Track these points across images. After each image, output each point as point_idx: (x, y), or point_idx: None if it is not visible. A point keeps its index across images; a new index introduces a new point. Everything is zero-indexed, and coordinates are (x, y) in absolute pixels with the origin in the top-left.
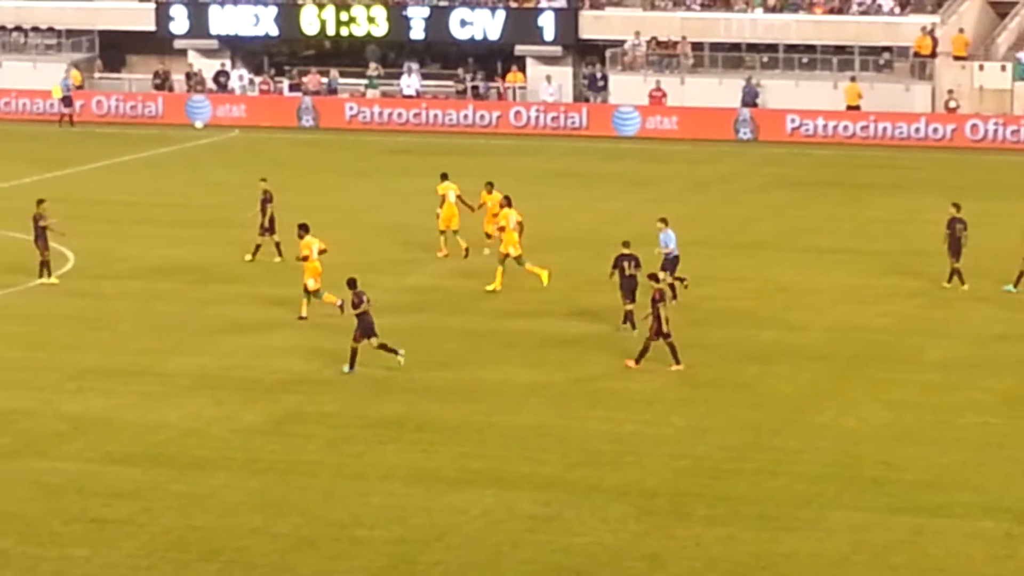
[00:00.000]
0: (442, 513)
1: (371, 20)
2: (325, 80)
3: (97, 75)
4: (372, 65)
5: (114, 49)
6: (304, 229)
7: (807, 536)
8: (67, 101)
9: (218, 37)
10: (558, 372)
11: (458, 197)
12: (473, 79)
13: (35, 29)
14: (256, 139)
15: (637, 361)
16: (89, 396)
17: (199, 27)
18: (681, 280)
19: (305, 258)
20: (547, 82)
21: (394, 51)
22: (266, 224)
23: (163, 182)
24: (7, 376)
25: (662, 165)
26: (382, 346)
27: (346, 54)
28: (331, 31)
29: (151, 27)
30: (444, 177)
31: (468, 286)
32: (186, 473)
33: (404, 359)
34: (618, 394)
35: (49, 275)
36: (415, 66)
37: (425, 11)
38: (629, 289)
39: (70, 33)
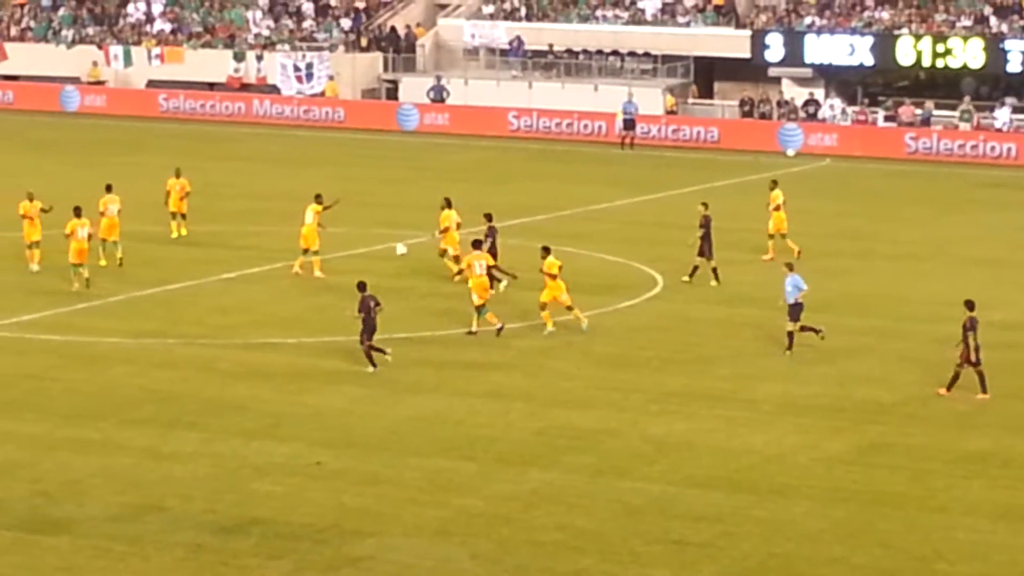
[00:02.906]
0: None
1: (968, 52)
2: (919, 112)
3: (690, 101)
4: (965, 98)
5: (705, 75)
6: (476, 246)
7: None
8: (629, 124)
9: (812, 66)
10: None
11: (783, 203)
12: None
13: (631, 54)
14: (847, 169)
15: (948, 388)
16: (673, 419)
17: (794, 55)
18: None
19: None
20: None
21: (988, 84)
22: (703, 247)
23: (753, 209)
24: (595, 395)
25: None
26: (371, 348)
27: (940, 86)
28: (926, 62)
29: (746, 54)
30: (775, 184)
31: None
32: (767, 499)
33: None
34: None
35: (693, 276)
36: (1011, 100)
37: None
38: None
39: (666, 59)
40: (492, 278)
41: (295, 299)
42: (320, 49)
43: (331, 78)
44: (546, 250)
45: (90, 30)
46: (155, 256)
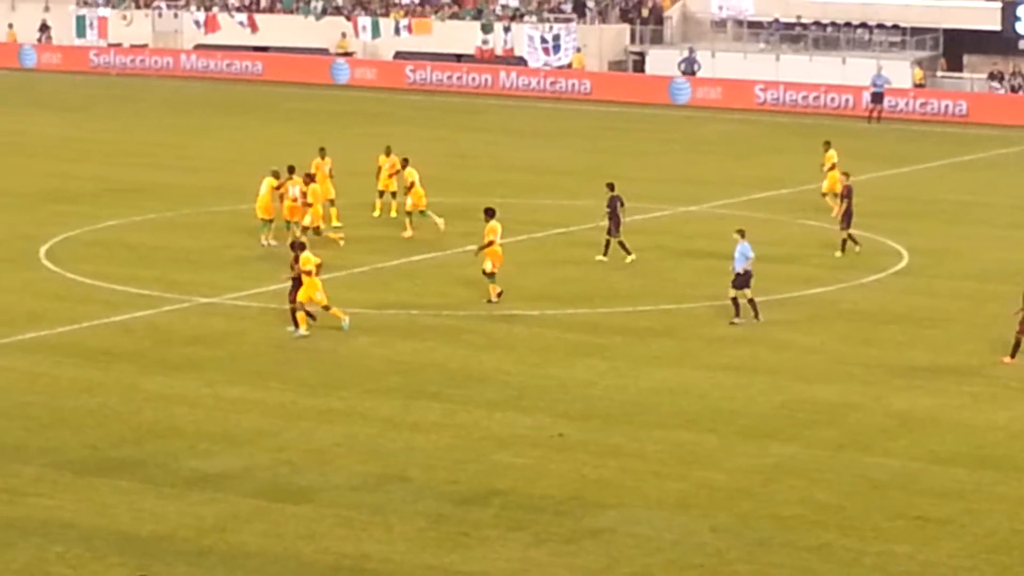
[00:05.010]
0: None
1: None
2: None
3: (939, 74)
4: None
5: (955, 48)
6: (490, 214)
7: None
8: (877, 97)
9: None
10: None
11: (837, 163)
12: None
13: (880, 26)
14: None
15: (1012, 356)
16: (917, 394)
17: None
18: (752, 304)
19: (490, 243)
20: None
21: None
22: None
23: (1003, 183)
24: (839, 370)
25: None
26: (295, 309)
27: None
28: None
29: (996, 27)
30: (828, 145)
31: None
32: (1012, 476)
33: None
34: None
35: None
36: None
37: None
38: None
39: (915, 31)
40: (624, 248)
41: (539, 271)
42: (567, 20)
43: (578, 50)
44: (301, 246)
45: (339, 1)
46: (399, 227)
